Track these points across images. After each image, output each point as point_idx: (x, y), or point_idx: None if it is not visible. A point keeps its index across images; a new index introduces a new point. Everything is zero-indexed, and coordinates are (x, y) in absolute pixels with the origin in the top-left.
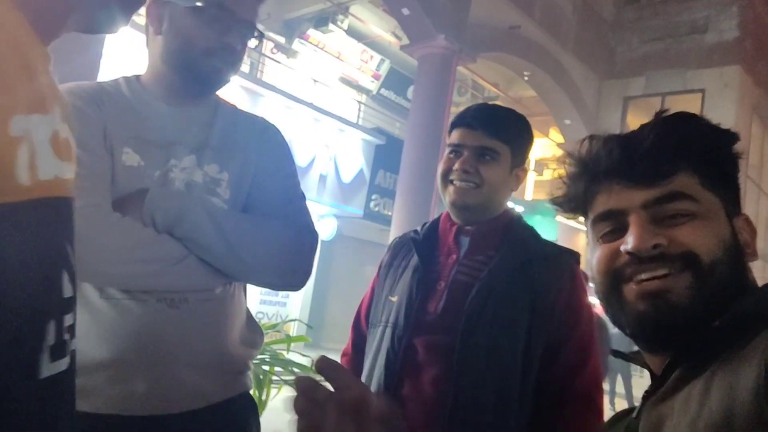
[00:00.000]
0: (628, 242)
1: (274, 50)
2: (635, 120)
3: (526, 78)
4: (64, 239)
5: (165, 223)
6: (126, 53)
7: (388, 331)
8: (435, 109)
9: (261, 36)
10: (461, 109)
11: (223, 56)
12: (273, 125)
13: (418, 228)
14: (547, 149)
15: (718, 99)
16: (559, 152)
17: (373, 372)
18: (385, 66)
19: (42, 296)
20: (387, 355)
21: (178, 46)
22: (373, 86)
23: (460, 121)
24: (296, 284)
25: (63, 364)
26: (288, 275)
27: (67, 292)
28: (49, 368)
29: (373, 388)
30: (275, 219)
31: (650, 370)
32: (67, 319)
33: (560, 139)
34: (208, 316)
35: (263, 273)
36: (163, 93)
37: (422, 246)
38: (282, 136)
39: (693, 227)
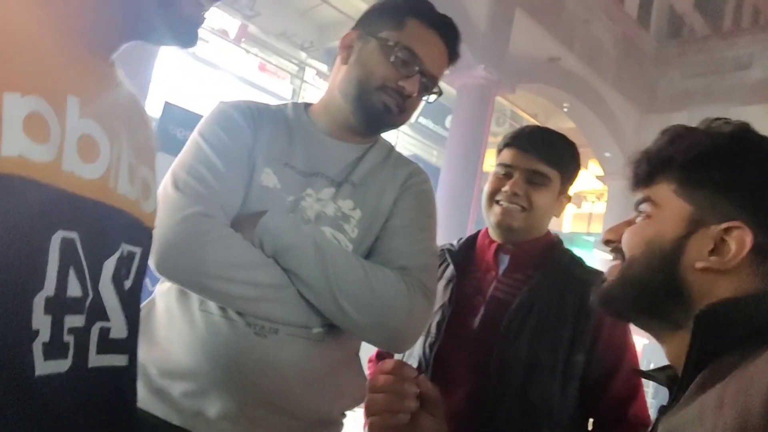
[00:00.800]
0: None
1: (315, 77)
2: None
3: (565, 110)
4: (54, 229)
5: (272, 249)
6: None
7: (420, 339)
8: (473, 138)
9: (440, 93)
10: (499, 139)
11: (395, 97)
12: (422, 172)
13: (454, 242)
14: (585, 182)
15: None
16: (598, 185)
17: None
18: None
19: (19, 280)
20: (418, 364)
21: (357, 77)
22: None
23: (514, 142)
24: (398, 347)
25: (62, 365)
26: (389, 333)
27: (74, 291)
28: (43, 366)
29: None
30: (391, 271)
31: (669, 387)
32: (72, 320)
33: (599, 171)
34: (296, 354)
35: (362, 326)
36: (328, 123)
37: (458, 258)
38: (429, 185)
39: (636, 227)
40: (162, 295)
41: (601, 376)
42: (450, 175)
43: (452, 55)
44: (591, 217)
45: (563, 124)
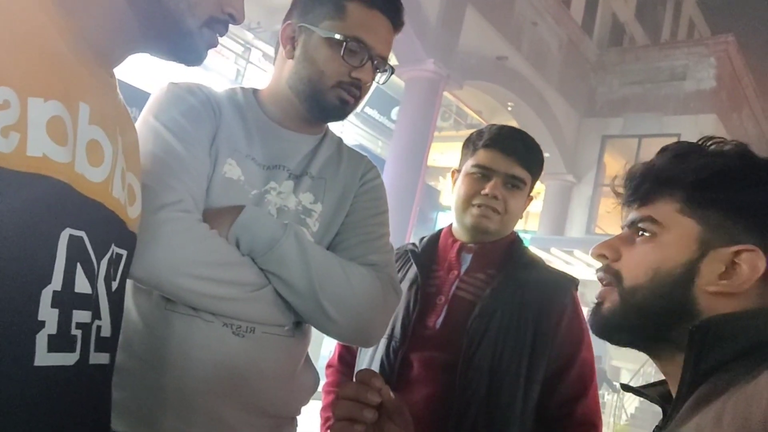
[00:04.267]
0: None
1: (262, 59)
2: (612, 158)
3: (509, 108)
4: (63, 226)
5: (251, 249)
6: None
7: (383, 342)
8: (419, 131)
9: (392, 71)
10: (443, 134)
11: (351, 90)
12: (374, 166)
13: (416, 241)
14: None
15: None
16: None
17: None
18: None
19: (29, 273)
20: (381, 366)
21: (308, 74)
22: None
23: (493, 144)
24: (367, 343)
25: (69, 358)
26: (363, 331)
27: (82, 287)
28: (45, 358)
29: None
30: (366, 268)
31: (661, 405)
32: (79, 315)
33: None
34: (272, 352)
35: (341, 325)
36: (279, 114)
37: (421, 259)
38: (381, 180)
39: (638, 250)
40: None
41: (553, 374)
42: (395, 167)
43: (397, 27)
44: (528, 215)
45: (507, 123)
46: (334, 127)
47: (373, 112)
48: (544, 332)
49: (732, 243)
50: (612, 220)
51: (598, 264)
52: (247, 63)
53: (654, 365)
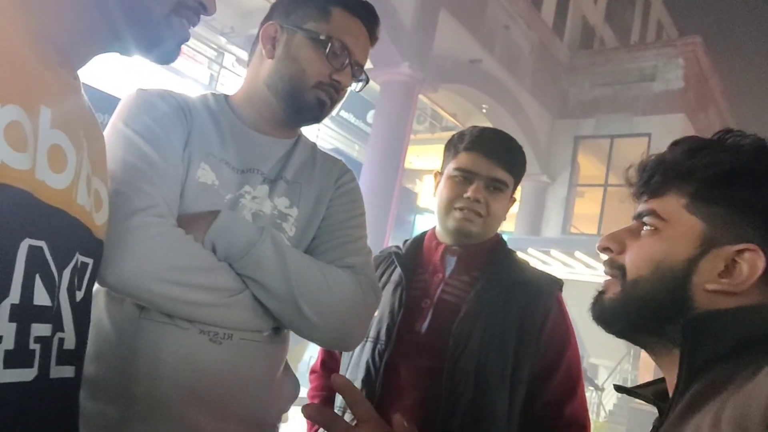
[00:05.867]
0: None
1: (235, 63)
2: (585, 158)
3: (484, 111)
4: (22, 237)
5: (227, 254)
6: None
7: (369, 345)
8: (396, 134)
9: (367, 80)
10: (419, 137)
11: (330, 92)
12: (349, 170)
13: (400, 244)
14: None
15: (663, 144)
16: None
17: None
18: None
19: None
20: (367, 370)
21: (290, 74)
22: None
23: (475, 147)
24: (348, 347)
25: (27, 374)
26: (343, 334)
27: (41, 299)
28: (2, 374)
29: None
30: (344, 271)
31: (656, 404)
32: (38, 329)
33: None
34: (250, 359)
35: (320, 329)
36: (253, 117)
37: (405, 261)
38: (357, 183)
39: (642, 243)
40: None
41: (539, 375)
42: (372, 170)
43: (373, 39)
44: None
45: (481, 125)
46: (310, 131)
47: (348, 116)
48: (529, 333)
49: (736, 241)
50: (588, 220)
51: (575, 264)
52: (220, 68)
53: (630, 362)
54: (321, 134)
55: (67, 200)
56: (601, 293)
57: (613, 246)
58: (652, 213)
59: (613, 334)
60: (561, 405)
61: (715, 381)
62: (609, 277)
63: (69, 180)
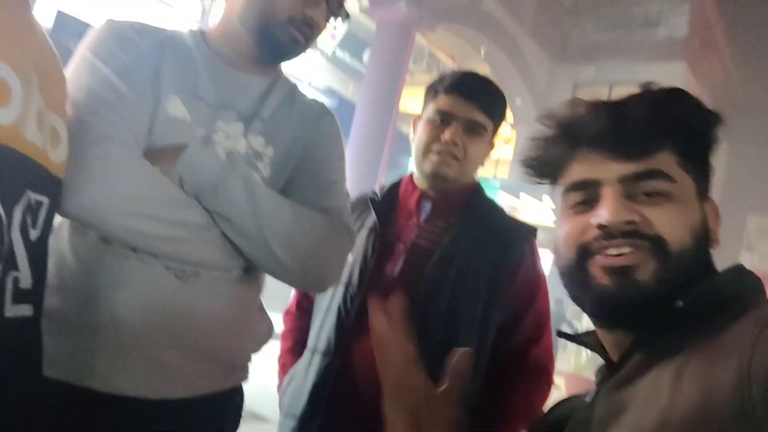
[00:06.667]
0: (601, 215)
1: None
2: None
3: (482, 53)
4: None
5: (196, 189)
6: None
7: (340, 289)
8: (391, 74)
9: (347, 16)
10: (415, 78)
11: (303, 29)
12: (331, 113)
13: (377, 189)
14: None
15: None
16: (506, 130)
17: (321, 331)
18: (342, 27)
19: None
20: (338, 314)
21: (260, 9)
22: (329, 46)
23: (453, 89)
24: (320, 287)
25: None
26: (316, 278)
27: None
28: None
29: (321, 347)
30: (318, 213)
31: (602, 354)
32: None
33: (509, 119)
34: (218, 298)
35: (291, 269)
36: (229, 53)
37: (380, 207)
38: (338, 127)
39: (667, 210)
40: None
41: (508, 319)
42: (366, 112)
43: None
44: (498, 162)
45: (479, 68)
46: (302, 67)
47: (344, 55)
48: (501, 279)
49: (705, 198)
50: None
51: None
52: (212, 1)
53: None
54: (315, 72)
55: (15, 136)
56: (627, 269)
57: (635, 217)
58: (661, 174)
59: (632, 321)
60: (526, 349)
61: (679, 338)
62: (627, 250)
63: (14, 115)
